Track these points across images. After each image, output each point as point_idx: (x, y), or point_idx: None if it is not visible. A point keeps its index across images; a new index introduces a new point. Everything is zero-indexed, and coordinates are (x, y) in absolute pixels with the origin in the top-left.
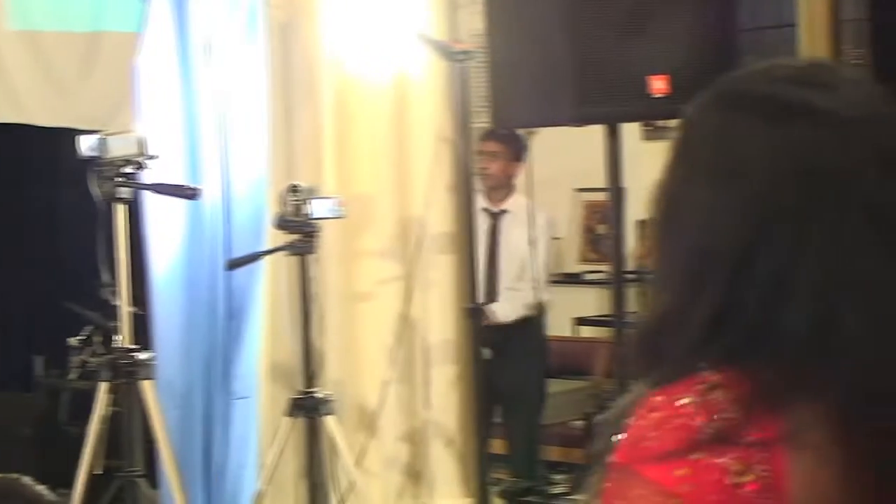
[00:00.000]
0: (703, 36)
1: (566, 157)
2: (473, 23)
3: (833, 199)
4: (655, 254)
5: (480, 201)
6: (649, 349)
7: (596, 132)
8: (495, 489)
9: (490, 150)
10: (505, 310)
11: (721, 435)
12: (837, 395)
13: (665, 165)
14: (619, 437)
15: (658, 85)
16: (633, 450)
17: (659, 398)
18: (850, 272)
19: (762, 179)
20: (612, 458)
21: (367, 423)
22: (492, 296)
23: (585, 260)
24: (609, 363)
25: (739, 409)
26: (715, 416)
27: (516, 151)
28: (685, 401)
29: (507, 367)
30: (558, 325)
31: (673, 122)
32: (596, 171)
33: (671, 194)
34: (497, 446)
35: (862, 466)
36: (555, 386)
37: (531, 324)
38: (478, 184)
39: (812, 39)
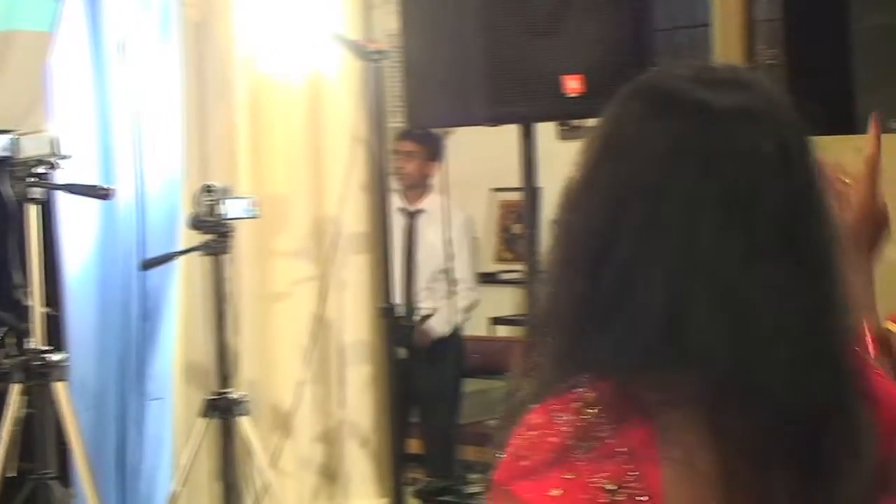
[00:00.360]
0: (618, 36)
1: (482, 156)
2: (388, 22)
3: (692, 184)
4: (554, 258)
5: (396, 201)
6: (534, 350)
7: (511, 132)
8: (411, 489)
9: (405, 150)
10: (439, 325)
11: (595, 453)
12: (700, 398)
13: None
14: (500, 455)
15: (572, 84)
16: (510, 469)
17: (537, 417)
18: (703, 267)
19: (634, 158)
20: (493, 476)
21: (282, 423)
22: (410, 296)
23: (501, 259)
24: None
25: (614, 426)
26: (589, 435)
27: (432, 151)
28: (561, 419)
29: (423, 366)
30: (475, 325)
31: (587, 122)
32: (511, 170)
33: (584, 195)
34: (414, 446)
35: (732, 467)
36: (471, 385)
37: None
38: (393, 183)
39: (726, 39)
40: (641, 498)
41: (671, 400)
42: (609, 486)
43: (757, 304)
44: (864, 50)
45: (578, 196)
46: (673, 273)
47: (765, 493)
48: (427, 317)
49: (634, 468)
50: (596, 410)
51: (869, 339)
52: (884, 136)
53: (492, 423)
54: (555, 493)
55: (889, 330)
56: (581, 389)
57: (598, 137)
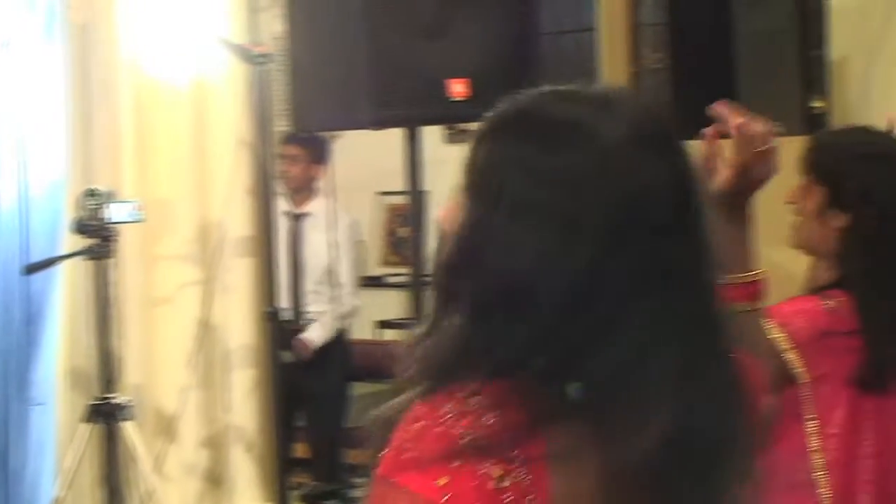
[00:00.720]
0: (503, 39)
1: (368, 160)
2: (273, 26)
3: (636, 242)
4: (446, 276)
5: (282, 204)
6: (433, 364)
7: (397, 135)
8: (296, 493)
9: (290, 154)
10: (318, 334)
11: (481, 442)
12: (619, 425)
13: (462, 193)
14: (385, 449)
15: (457, 88)
16: (396, 461)
17: (422, 408)
18: (621, 293)
19: (575, 221)
20: (377, 470)
21: (167, 428)
22: (296, 299)
23: (387, 263)
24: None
25: (501, 416)
26: (475, 424)
27: (317, 155)
28: (445, 409)
29: (309, 371)
30: (361, 328)
31: (473, 125)
32: (398, 174)
33: (465, 216)
34: (300, 450)
35: (620, 482)
36: (358, 389)
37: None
38: (279, 187)
39: (611, 44)
40: (527, 484)
41: (573, 415)
42: (496, 474)
43: (669, 334)
44: (748, 54)
45: (476, 226)
46: (566, 293)
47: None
48: (304, 327)
49: (520, 455)
50: (481, 401)
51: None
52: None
53: (370, 420)
54: (442, 481)
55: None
56: (467, 384)
57: (491, 177)
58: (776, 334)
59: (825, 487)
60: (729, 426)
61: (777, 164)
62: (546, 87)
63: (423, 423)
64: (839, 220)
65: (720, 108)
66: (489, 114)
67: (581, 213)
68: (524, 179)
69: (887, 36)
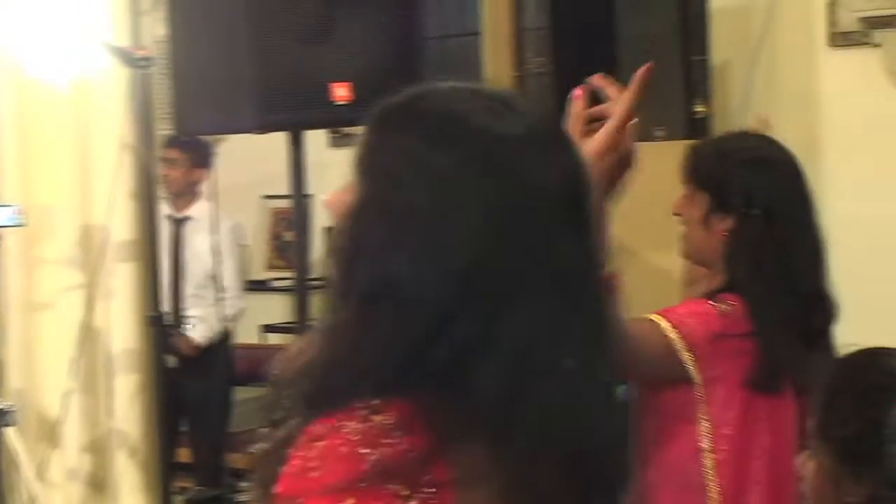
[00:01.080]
0: (387, 43)
1: (253, 163)
2: (156, 29)
3: (524, 240)
4: (340, 278)
5: (165, 208)
6: (325, 379)
7: (281, 139)
8: (180, 498)
9: (172, 158)
10: (201, 333)
11: (387, 461)
12: (517, 443)
13: (353, 190)
14: (283, 468)
15: (341, 92)
16: (299, 481)
17: (323, 427)
18: (538, 319)
19: (461, 219)
20: (277, 489)
21: (49, 433)
22: (178, 303)
23: (272, 267)
24: None
25: (404, 432)
26: (380, 442)
27: (200, 158)
28: (349, 429)
29: (193, 375)
30: (246, 333)
31: (357, 129)
32: (282, 177)
33: (356, 220)
34: (184, 455)
35: (516, 490)
36: (242, 394)
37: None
38: (162, 191)
39: (495, 48)
40: (433, 501)
41: (484, 439)
42: (403, 493)
43: (534, 328)
44: (630, 59)
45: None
46: (444, 294)
47: None
48: (189, 325)
49: (426, 475)
50: (383, 418)
51: None
52: (649, 144)
53: (260, 433)
54: (349, 502)
55: (651, 318)
56: (369, 401)
57: (379, 166)
58: (670, 335)
59: (715, 487)
60: (621, 429)
61: (636, 163)
62: (442, 82)
63: (326, 441)
64: (724, 225)
65: (600, 82)
66: (385, 102)
67: (463, 211)
68: (409, 172)
69: (767, 40)
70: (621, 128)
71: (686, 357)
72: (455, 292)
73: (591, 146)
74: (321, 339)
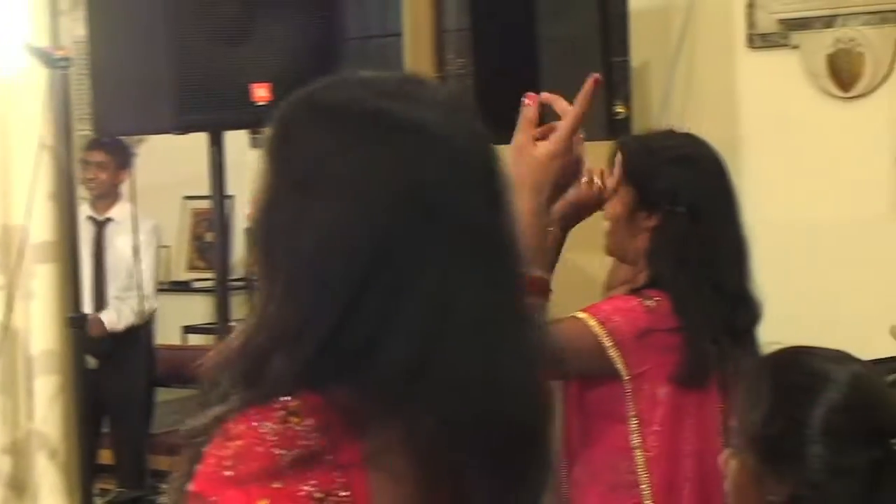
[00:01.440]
0: (307, 44)
1: (174, 164)
2: (75, 29)
3: (434, 219)
4: (260, 269)
5: (86, 209)
6: (248, 368)
7: (202, 140)
8: (101, 500)
9: (95, 160)
10: (112, 318)
11: (302, 462)
12: (424, 420)
13: (263, 178)
14: (198, 465)
15: (260, 93)
16: (214, 479)
17: (239, 426)
18: (448, 295)
19: (367, 199)
20: (191, 486)
21: None
22: (100, 305)
23: (194, 268)
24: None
25: (321, 434)
26: (296, 444)
27: (121, 160)
28: (265, 429)
29: (113, 376)
30: (167, 334)
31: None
32: (203, 178)
33: (275, 209)
34: (105, 456)
35: (438, 489)
36: (164, 395)
37: (138, 333)
38: (82, 192)
39: (416, 49)
40: (346, 497)
41: (391, 418)
42: (317, 495)
43: (495, 330)
44: (551, 60)
45: (306, 229)
46: (423, 305)
47: (461, 499)
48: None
49: (341, 476)
50: (301, 419)
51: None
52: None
53: (182, 432)
54: (262, 503)
55: (577, 316)
56: (284, 398)
57: (293, 164)
58: (597, 331)
59: (646, 485)
60: (537, 406)
61: (582, 172)
62: (350, 73)
63: (242, 441)
64: (649, 221)
65: (549, 98)
66: (289, 95)
67: (366, 188)
68: (319, 158)
69: (687, 41)
70: (570, 135)
71: (613, 353)
72: (359, 277)
73: (541, 150)
74: (241, 335)
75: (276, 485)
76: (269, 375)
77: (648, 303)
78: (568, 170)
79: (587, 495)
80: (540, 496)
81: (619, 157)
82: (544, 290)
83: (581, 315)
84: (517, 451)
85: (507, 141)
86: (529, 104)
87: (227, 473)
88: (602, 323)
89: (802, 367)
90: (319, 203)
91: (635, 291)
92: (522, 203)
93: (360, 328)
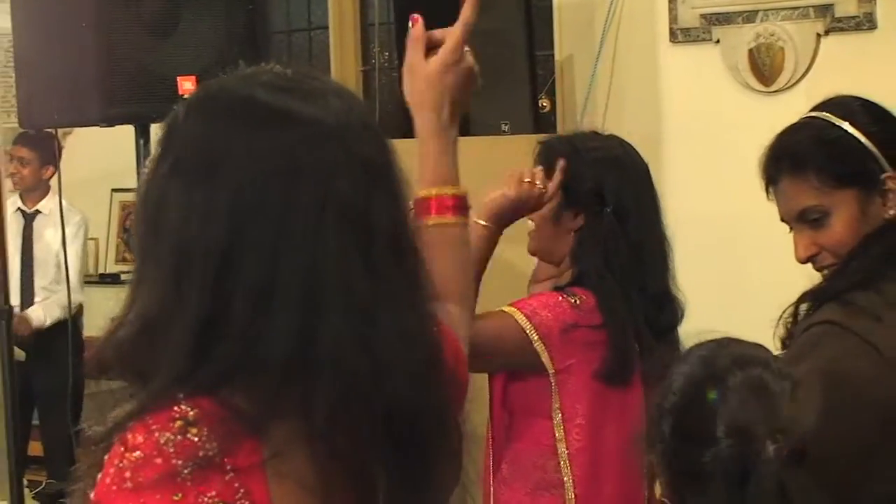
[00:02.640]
0: (234, 37)
1: (102, 157)
2: (1, 22)
3: (310, 202)
4: (138, 256)
5: (16, 201)
6: (130, 358)
7: (130, 132)
8: (32, 492)
9: (20, 156)
10: (39, 315)
11: (201, 472)
12: (314, 413)
13: (149, 166)
14: (100, 473)
15: (187, 86)
16: (113, 491)
17: (139, 436)
18: (328, 279)
19: (239, 180)
20: (93, 496)
21: None
22: (28, 297)
23: (124, 260)
24: None
25: (218, 442)
26: (194, 454)
27: (46, 154)
28: (164, 439)
29: (43, 369)
30: (97, 325)
31: None
32: (132, 171)
33: (153, 195)
34: (35, 448)
35: (340, 485)
36: (93, 387)
37: (66, 325)
38: (10, 185)
39: (342, 42)
40: (245, 496)
41: (284, 415)
42: (217, 502)
43: (377, 316)
44: (477, 54)
45: (176, 213)
46: (301, 290)
47: (363, 499)
48: (27, 303)
49: (241, 485)
50: (198, 429)
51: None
52: (495, 138)
53: (83, 438)
54: None
55: (505, 310)
56: (181, 406)
57: (187, 153)
58: (524, 326)
59: (569, 479)
60: (432, 401)
61: (477, 79)
62: (258, 68)
63: (141, 452)
64: (576, 222)
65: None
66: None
67: (237, 179)
68: (193, 142)
69: (610, 35)
70: (460, 46)
71: (539, 347)
72: (223, 262)
73: (432, 66)
74: (113, 325)
75: (176, 496)
76: (156, 376)
77: (574, 300)
78: (462, 81)
79: (513, 492)
80: (447, 486)
81: (561, 162)
82: (463, 206)
83: (508, 309)
84: (417, 439)
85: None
86: (416, 21)
87: (127, 485)
88: (529, 317)
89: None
90: (185, 185)
91: (560, 289)
92: (423, 124)
93: (232, 320)
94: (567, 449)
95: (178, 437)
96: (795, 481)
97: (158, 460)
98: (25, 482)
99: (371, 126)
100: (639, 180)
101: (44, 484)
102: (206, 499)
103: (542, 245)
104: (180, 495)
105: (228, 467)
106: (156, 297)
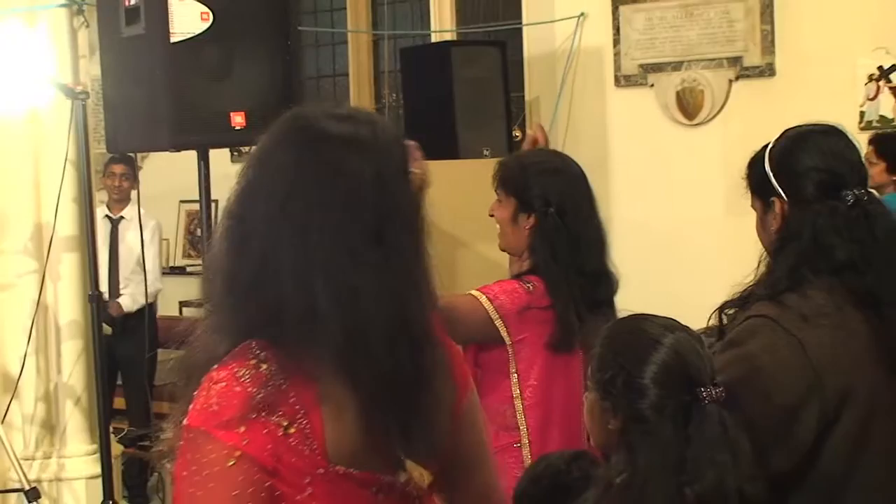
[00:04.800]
0: (274, 81)
1: (172, 175)
2: (92, 69)
3: (311, 192)
4: (225, 241)
5: (103, 210)
6: (213, 328)
7: (193, 156)
8: (116, 437)
9: (119, 171)
10: (127, 302)
11: (271, 398)
12: (333, 361)
13: (241, 175)
14: (191, 404)
15: (238, 119)
16: (203, 415)
17: (221, 372)
18: (320, 259)
19: (267, 170)
20: (186, 422)
21: (11, 387)
22: (114, 285)
23: (187, 256)
24: None
25: (283, 374)
26: (265, 384)
27: (133, 172)
28: (241, 373)
29: (125, 341)
30: (168, 307)
31: (250, 148)
32: (194, 186)
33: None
34: (119, 403)
35: (365, 409)
36: (164, 355)
37: (145, 308)
38: (98, 196)
39: (359, 86)
40: (307, 431)
41: (317, 362)
42: (284, 423)
43: (361, 289)
44: (464, 95)
45: (235, 201)
46: (297, 262)
47: (387, 428)
48: (114, 290)
49: (301, 407)
50: (268, 366)
51: None
52: (479, 161)
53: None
54: (241, 430)
55: (472, 294)
56: (254, 351)
57: (253, 155)
58: (486, 306)
59: (524, 427)
60: (428, 360)
61: None
62: (313, 104)
63: (224, 384)
64: (528, 222)
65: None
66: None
67: (278, 179)
68: (260, 153)
69: (568, 81)
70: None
71: (499, 324)
72: (301, 272)
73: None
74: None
75: (251, 416)
76: (234, 330)
77: (528, 285)
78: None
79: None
80: (437, 423)
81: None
82: None
83: (475, 293)
84: (417, 392)
85: (432, 154)
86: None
87: (213, 408)
88: (491, 300)
89: (638, 330)
90: (254, 182)
91: (518, 277)
92: None
93: (291, 314)
94: (522, 403)
95: (253, 371)
96: (731, 418)
97: (237, 388)
98: (111, 429)
99: (376, 145)
100: (575, 184)
101: (125, 430)
102: (274, 417)
103: (506, 242)
104: (255, 415)
105: (291, 394)
106: (240, 275)
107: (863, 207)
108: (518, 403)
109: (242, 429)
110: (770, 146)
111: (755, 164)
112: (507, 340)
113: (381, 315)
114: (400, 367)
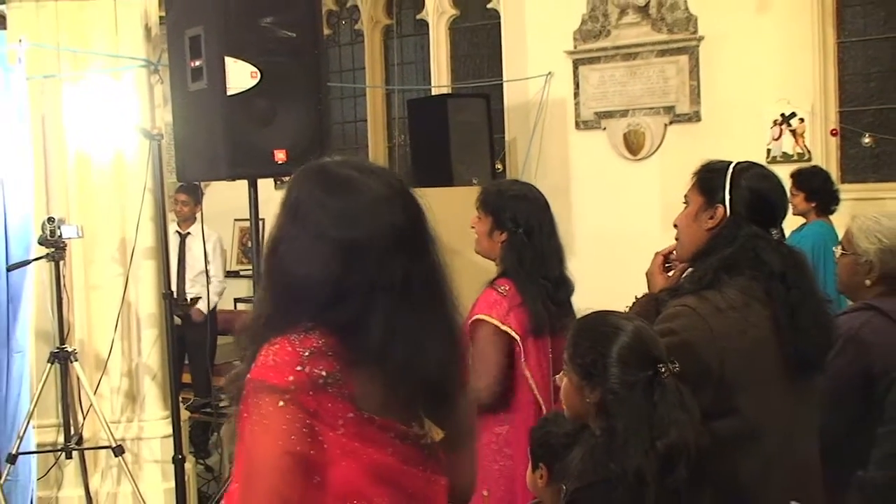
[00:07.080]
0: (310, 125)
1: (228, 199)
2: (166, 116)
3: (368, 248)
4: (267, 267)
5: (174, 226)
6: (269, 321)
7: (245, 184)
8: (185, 405)
9: (180, 199)
10: (204, 305)
11: (315, 355)
12: (390, 370)
13: (277, 216)
14: (253, 364)
15: (280, 156)
16: (261, 369)
17: (277, 338)
18: (378, 289)
19: (318, 229)
20: (250, 375)
21: (100, 365)
22: (181, 288)
23: (241, 262)
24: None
25: (327, 343)
26: (312, 345)
27: (196, 197)
28: (293, 338)
29: (191, 328)
30: (225, 303)
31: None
32: (246, 208)
33: (279, 230)
34: (186, 378)
35: (392, 387)
36: (222, 340)
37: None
38: (170, 216)
39: (375, 129)
40: (342, 384)
41: (356, 357)
42: (324, 373)
43: (409, 318)
44: (457, 136)
45: (287, 239)
46: (361, 287)
47: (413, 408)
48: (196, 300)
49: (340, 369)
50: (316, 335)
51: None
52: (467, 188)
53: (237, 362)
54: (290, 378)
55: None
56: (307, 325)
57: (290, 202)
58: (491, 322)
59: (538, 395)
60: (453, 366)
61: None
62: (335, 156)
63: (278, 346)
64: (501, 237)
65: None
66: (301, 167)
67: (322, 228)
68: (314, 211)
69: (539, 125)
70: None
71: (506, 328)
72: (330, 289)
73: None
74: (257, 306)
75: (299, 368)
76: (293, 317)
77: (501, 289)
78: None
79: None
80: (464, 419)
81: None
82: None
83: (479, 317)
84: (439, 398)
85: (432, 182)
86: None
87: (270, 363)
88: (489, 315)
89: (606, 321)
90: (297, 227)
91: (491, 284)
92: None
93: (345, 311)
94: (532, 379)
95: (303, 336)
96: (684, 387)
97: (289, 348)
98: (180, 399)
99: (412, 193)
100: (540, 209)
101: (192, 400)
102: (317, 370)
103: (481, 248)
104: (301, 367)
105: (332, 356)
106: (276, 294)
107: (780, 241)
108: (530, 381)
109: (291, 377)
110: (735, 165)
111: (715, 172)
112: (515, 336)
113: (427, 340)
114: (436, 368)
